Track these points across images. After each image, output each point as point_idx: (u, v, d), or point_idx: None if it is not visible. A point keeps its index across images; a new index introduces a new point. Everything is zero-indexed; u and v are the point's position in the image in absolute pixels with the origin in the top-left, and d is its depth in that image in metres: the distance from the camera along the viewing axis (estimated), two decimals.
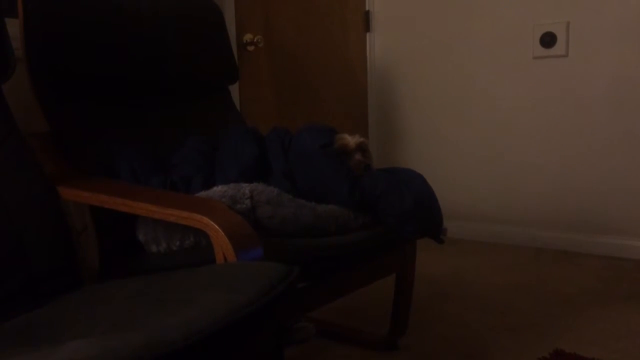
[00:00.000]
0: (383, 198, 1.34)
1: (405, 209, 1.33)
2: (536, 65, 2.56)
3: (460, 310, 1.93)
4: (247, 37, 2.29)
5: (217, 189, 1.25)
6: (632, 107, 2.36)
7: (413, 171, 1.46)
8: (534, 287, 2.12)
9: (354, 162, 1.43)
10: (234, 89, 2.13)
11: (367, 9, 2.96)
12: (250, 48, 2.30)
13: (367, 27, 2.97)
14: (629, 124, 2.37)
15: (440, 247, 1.47)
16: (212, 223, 1.05)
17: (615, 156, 2.42)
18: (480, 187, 2.80)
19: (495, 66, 2.66)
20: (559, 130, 2.54)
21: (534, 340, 1.67)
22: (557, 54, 2.49)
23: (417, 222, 1.36)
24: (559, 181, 2.57)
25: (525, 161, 2.65)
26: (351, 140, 1.47)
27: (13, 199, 1.14)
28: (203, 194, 1.26)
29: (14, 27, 1.41)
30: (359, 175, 1.39)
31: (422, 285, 2.13)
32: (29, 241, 1.12)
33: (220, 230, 1.04)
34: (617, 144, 2.41)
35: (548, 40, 2.50)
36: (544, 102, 2.56)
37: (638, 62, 2.33)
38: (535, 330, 1.75)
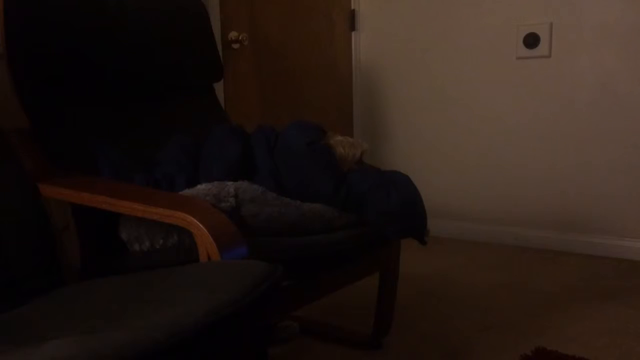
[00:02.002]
0: (370, 194, 1.34)
1: (391, 208, 1.34)
2: (520, 66, 2.58)
3: (444, 309, 1.94)
4: (232, 35, 2.28)
5: (201, 187, 1.25)
6: (615, 107, 2.39)
7: (399, 172, 1.46)
8: (516, 286, 2.14)
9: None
10: (219, 87, 2.12)
11: (352, 8, 2.96)
12: (235, 46, 2.29)
13: (352, 26, 2.98)
14: (611, 125, 2.41)
15: (424, 246, 1.47)
16: (196, 221, 1.05)
17: (598, 156, 2.45)
18: (463, 187, 2.82)
19: (479, 66, 2.68)
20: (542, 130, 2.57)
21: (516, 338, 1.69)
22: (540, 54, 2.51)
23: (402, 222, 1.36)
24: (542, 181, 2.60)
25: (509, 161, 2.67)
26: (348, 150, 1.48)
27: None
28: (187, 192, 1.25)
29: None
30: (347, 172, 1.40)
31: (406, 284, 2.14)
32: (8, 239, 1.10)
33: (204, 228, 1.04)
34: (598, 144, 2.44)
35: (531, 41, 2.52)
36: (527, 102, 2.59)
37: (620, 63, 2.36)
38: (518, 328, 1.76)
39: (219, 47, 2.11)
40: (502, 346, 1.64)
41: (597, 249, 2.48)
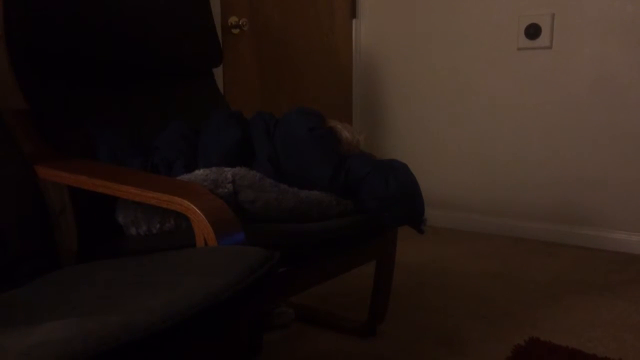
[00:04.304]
0: (368, 180, 1.34)
1: (389, 194, 1.34)
2: (521, 57, 2.57)
3: (438, 298, 1.95)
4: (232, 19, 2.26)
5: (199, 173, 1.25)
6: (614, 99, 2.39)
7: (398, 161, 1.46)
8: (511, 276, 2.15)
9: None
10: (218, 72, 2.11)
11: None
12: (235, 31, 2.28)
13: (353, 13, 2.96)
14: (611, 117, 2.40)
15: (421, 236, 1.48)
16: (193, 206, 1.05)
17: (595, 149, 2.45)
18: (461, 177, 2.82)
19: (481, 56, 2.67)
20: (541, 122, 2.56)
21: (510, 329, 1.70)
22: (542, 45, 2.50)
23: (399, 209, 1.36)
24: (539, 172, 2.60)
25: (507, 152, 2.67)
26: (349, 135, 1.48)
27: None
28: (185, 177, 1.25)
29: None
30: (346, 157, 1.40)
31: (402, 273, 2.15)
32: (4, 221, 1.10)
33: (201, 213, 1.03)
34: (597, 136, 2.44)
35: (533, 31, 2.51)
36: (527, 93, 2.58)
37: (621, 54, 2.35)
38: (512, 318, 1.77)
39: (219, 31, 2.10)
40: (496, 336, 1.65)
41: (592, 241, 2.49)
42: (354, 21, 2.97)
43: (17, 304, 0.93)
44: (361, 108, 3.06)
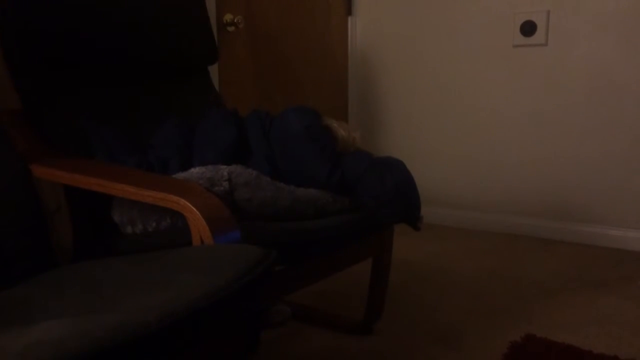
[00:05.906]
0: (364, 177, 1.34)
1: (385, 192, 1.34)
2: (516, 54, 2.57)
3: (435, 295, 1.95)
4: (228, 17, 2.26)
5: (195, 171, 1.24)
6: (609, 97, 2.39)
7: (394, 158, 1.46)
8: (507, 273, 2.15)
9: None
10: (213, 70, 2.11)
11: None
12: (231, 29, 2.27)
13: (349, 10, 2.96)
14: (606, 114, 2.41)
15: (417, 233, 1.48)
16: (189, 205, 1.04)
17: (592, 145, 2.46)
18: (457, 174, 2.82)
19: (476, 54, 2.67)
20: (537, 119, 2.57)
21: (506, 325, 1.70)
22: (537, 42, 2.50)
23: (395, 206, 1.36)
24: (535, 169, 2.61)
25: (503, 149, 2.68)
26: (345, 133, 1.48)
27: None
28: (180, 175, 1.25)
29: None
30: (343, 154, 1.40)
31: (398, 270, 2.15)
32: None
33: (197, 212, 1.03)
34: (594, 133, 2.45)
35: (528, 28, 2.51)
36: (523, 91, 2.59)
37: (616, 51, 2.35)
38: (508, 315, 1.78)
39: (214, 29, 2.09)
40: (491, 332, 1.65)
41: (588, 238, 2.50)
42: (349, 18, 2.96)
43: (13, 304, 0.93)
44: (357, 105, 3.06)
